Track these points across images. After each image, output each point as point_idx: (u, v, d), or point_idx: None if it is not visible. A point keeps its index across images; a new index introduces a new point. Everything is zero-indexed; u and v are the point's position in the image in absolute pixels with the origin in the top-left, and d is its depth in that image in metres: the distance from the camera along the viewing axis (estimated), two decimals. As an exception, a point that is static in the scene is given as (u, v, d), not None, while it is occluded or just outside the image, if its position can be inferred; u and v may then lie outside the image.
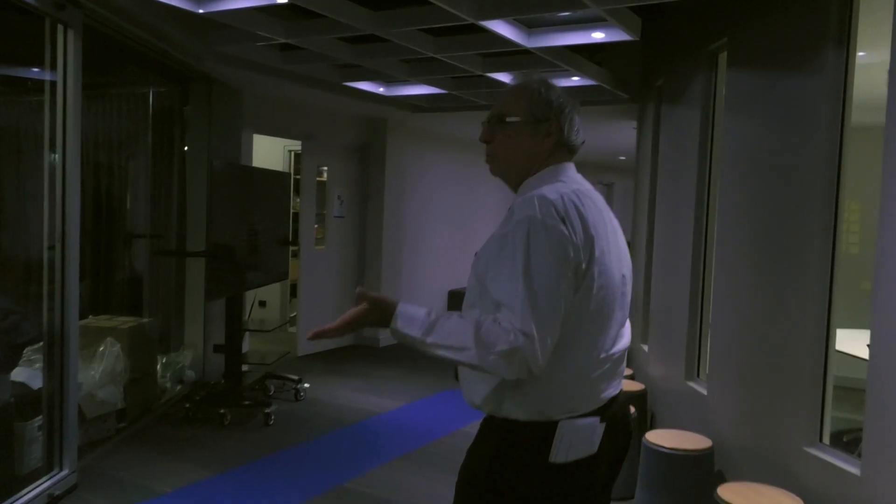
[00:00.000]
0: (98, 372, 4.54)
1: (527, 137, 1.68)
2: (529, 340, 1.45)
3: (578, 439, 1.57)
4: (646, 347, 5.04)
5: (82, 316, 5.06)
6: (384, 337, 8.00)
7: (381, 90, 6.22)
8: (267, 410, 5.01)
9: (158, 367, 5.56)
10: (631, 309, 1.73)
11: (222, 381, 5.42)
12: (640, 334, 5.27)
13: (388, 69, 5.25)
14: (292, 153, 8.42)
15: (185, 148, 6.25)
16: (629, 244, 2.68)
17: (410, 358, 7.25)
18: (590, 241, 1.54)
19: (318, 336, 1.59)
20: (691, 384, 3.92)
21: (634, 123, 7.56)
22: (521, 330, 1.45)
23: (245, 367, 5.70)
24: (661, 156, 4.82)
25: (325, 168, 7.63)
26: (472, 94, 6.22)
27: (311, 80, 5.98)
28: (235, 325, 5.27)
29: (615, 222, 1.71)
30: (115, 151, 5.81)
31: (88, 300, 5.54)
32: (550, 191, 1.57)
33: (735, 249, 3.37)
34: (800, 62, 2.86)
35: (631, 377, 4.95)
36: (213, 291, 4.79)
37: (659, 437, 3.44)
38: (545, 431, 1.55)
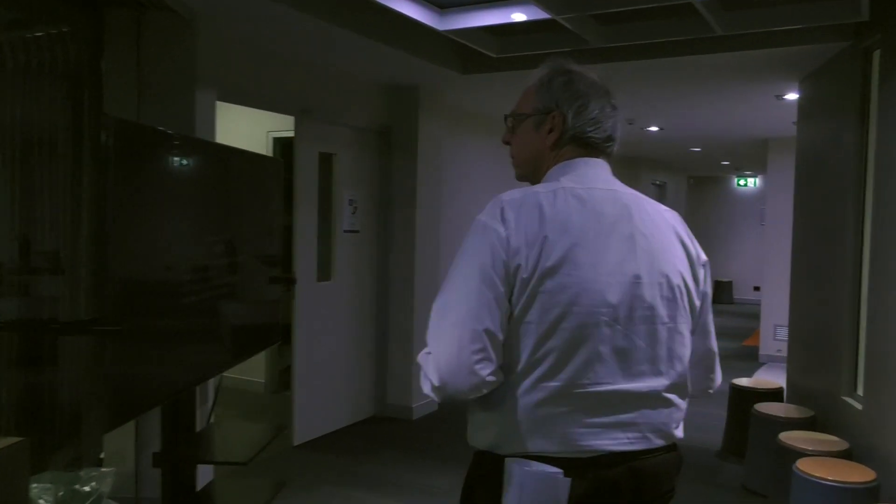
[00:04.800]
0: None
1: (532, 133, 1.50)
2: (426, 358, 1.35)
3: (532, 489, 1.29)
4: None
5: None
6: (420, 405, 5.48)
7: (430, 22, 3.74)
8: None
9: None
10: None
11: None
12: None
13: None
14: (279, 142, 5.90)
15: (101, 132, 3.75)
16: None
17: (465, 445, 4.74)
18: (539, 242, 1.31)
19: None
20: None
21: (777, 91, 5.14)
22: (428, 343, 1.36)
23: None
24: None
25: (332, 160, 5.13)
26: (589, 27, 3.78)
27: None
28: (181, 446, 2.73)
29: (654, 231, 1.41)
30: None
31: None
32: (519, 190, 1.40)
33: None
34: None
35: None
36: (118, 411, 2.25)
37: None
38: (497, 465, 1.34)
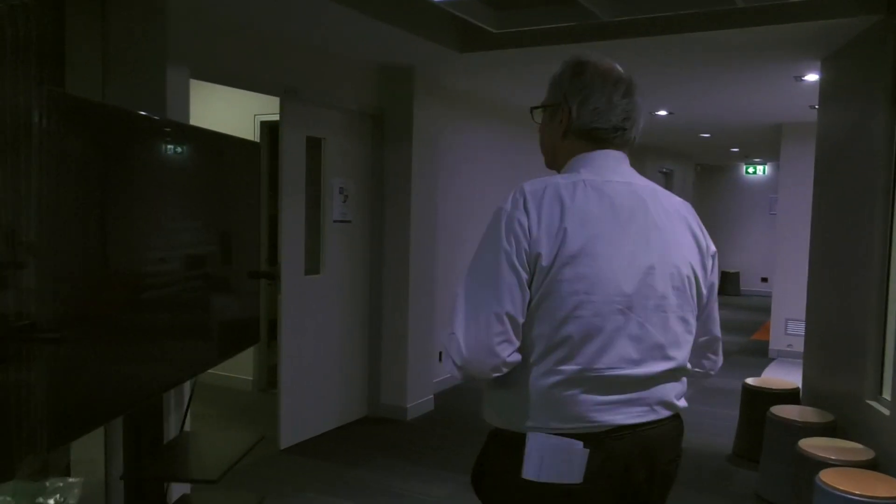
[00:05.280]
0: None
1: (549, 124, 1.58)
2: (450, 339, 1.42)
3: (552, 459, 1.39)
4: None
5: None
6: (414, 405, 5.20)
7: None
8: None
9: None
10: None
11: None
12: None
13: None
14: (267, 126, 5.60)
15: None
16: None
17: (467, 444, 4.47)
18: (560, 233, 1.38)
19: None
20: None
21: (797, 72, 4.84)
22: (452, 327, 1.43)
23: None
24: None
25: (321, 145, 4.83)
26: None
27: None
28: (145, 460, 2.46)
29: (667, 224, 1.47)
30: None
31: None
32: (540, 180, 1.45)
33: None
34: None
35: None
36: (64, 427, 1.97)
37: None
38: (518, 442, 1.42)
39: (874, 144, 3.66)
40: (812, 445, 3.43)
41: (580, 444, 1.38)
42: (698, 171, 13.53)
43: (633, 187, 1.48)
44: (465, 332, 1.38)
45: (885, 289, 3.57)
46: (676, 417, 1.52)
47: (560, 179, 1.45)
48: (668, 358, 1.44)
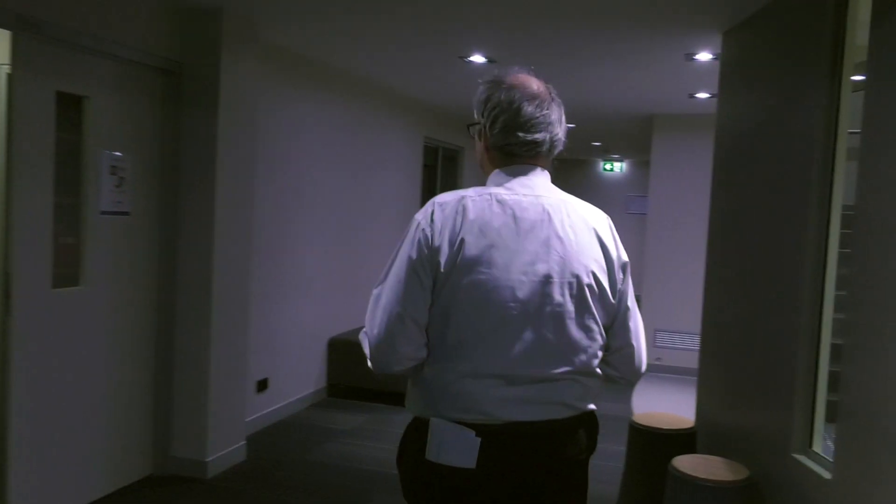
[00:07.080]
0: None
1: (477, 140, 1.71)
2: (363, 336, 1.59)
3: (449, 443, 1.52)
4: None
5: None
6: (218, 457, 3.97)
7: None
8: None
9: None
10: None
11: None
12: None
13: None
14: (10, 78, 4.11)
15: None
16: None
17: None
18: (458, 243, 1.51)
19: None
20: None
21: (689, 48, 4.12)
22: (365, 325, 1.59)
23: None
24: None
25: (83, 106, 3.46)
26: None
27: None
28: None
29: (572, 235, 1.57)
30: None
31: None
32: (452, 193, 1.58)
33: None
34: None
35: None
36: None
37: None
38: (425, 427, 1.56)
39: (805, 129, 2.89)
40: (736, 522, 2.61)
41: (472, 433, 1.50)
42: (556, 166, 13.03)
43: (539, 199, 1.57)
44: (373, 331, 1.55)
45: (819, 306, 2.82)
46: (581, 416, 1.59)
47: (470, 192, 1.57)
48: (566, 362, 1.53)
